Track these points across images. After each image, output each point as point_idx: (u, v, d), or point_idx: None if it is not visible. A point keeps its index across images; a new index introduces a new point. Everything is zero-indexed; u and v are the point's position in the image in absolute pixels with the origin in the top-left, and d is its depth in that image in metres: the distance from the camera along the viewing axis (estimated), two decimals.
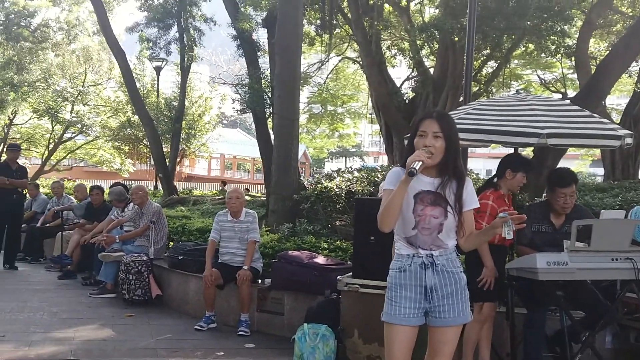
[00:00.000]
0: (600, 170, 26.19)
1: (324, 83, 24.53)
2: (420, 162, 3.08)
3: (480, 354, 5.28)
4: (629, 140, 5.57)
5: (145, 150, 28.34)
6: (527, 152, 12.97)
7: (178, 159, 23.66)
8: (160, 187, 20.07)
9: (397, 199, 3.14)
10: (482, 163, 37.42)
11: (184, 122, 22.14)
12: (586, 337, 4.95)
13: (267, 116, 12.85)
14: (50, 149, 29.64)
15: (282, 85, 9.45)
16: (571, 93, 20.40)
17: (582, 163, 33.39)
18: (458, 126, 5.25)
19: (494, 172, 5.29)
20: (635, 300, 5.27)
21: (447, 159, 3.21)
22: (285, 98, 9.28)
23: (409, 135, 3.40)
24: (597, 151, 25.17)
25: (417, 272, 3.21)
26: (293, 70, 9.63)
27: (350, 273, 5.64)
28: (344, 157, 55.24)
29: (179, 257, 7.48)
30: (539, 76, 21.82)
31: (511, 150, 5.70)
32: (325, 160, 51.83)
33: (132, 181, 23.31)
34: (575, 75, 19.68)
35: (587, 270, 4.59)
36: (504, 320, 5.55)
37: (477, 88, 15.39)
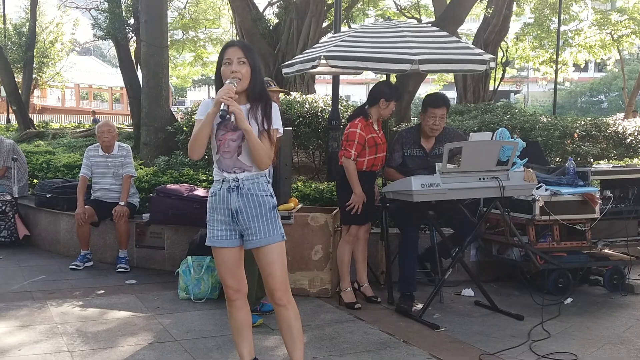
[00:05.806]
0: (451, 94, 27.47)
1: (185, 7, 23.66)
2: (230, 96, 3.13)
3: (357, 274, 5.53)
4: (492, 65, 5.87)
5: None
6: (391, 77, 13.27)
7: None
8: (12, 121, 18.76)
9: (203, 129, 3.23)
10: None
11: (35, 50, 20.56)
12: (456, 252, 5.28)
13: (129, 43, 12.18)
14: None
15: (149, 10, 8.89)
16: (424, 19, 21.03)
17: (434, 89, 34.77)
18: (333, 53, 5.38)
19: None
20: (497, 216, 5.71)
21: (254, 84, 3.29)
22: (152, 23, 8.75)
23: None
24: (450, 75, 26.27)
25: (224, 196, 3.32)
26: None
27: None
28: (206, 85, 53.97)
29: (47, 195, 7.12)
30: (395, 2, 22.22)
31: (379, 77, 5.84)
32: (188, 89, 50.32)
33: None
34: (428, 2, 20.27)
35: (458, 190, 4.81)
36: (378, 240, 5.85)
37: None
